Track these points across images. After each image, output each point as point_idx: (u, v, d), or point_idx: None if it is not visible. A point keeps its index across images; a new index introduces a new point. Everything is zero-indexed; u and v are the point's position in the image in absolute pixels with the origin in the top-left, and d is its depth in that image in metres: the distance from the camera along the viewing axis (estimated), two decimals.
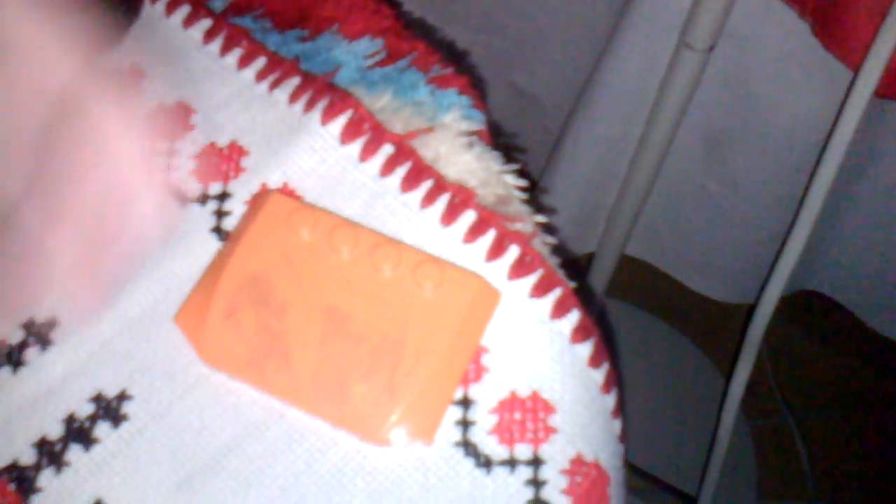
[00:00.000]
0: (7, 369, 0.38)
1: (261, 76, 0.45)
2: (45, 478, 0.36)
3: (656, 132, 0.75)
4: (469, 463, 0.36)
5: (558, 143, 0.87)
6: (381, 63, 0.46)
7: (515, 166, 0.43)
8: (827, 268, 0.87)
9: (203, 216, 0.42)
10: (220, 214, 0.42)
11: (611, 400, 0.39)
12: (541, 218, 0.42)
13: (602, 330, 0.40)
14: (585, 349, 0.39)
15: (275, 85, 0.45)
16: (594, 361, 0.39)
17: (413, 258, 0.38)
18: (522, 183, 0.43)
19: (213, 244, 0.41)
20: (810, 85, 0.67)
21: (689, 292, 0.99)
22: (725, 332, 1.20)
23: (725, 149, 0.80)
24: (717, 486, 0.94)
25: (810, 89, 0.68)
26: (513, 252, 0.40)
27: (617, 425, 0.40)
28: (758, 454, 1.18)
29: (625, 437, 0.40)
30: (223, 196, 0.42)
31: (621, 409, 0.40)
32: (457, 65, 0.46)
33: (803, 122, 0.71)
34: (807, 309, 1.11)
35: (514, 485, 0.35)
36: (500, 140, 0.45)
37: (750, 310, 0.79)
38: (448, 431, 0.36)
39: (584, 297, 0.40)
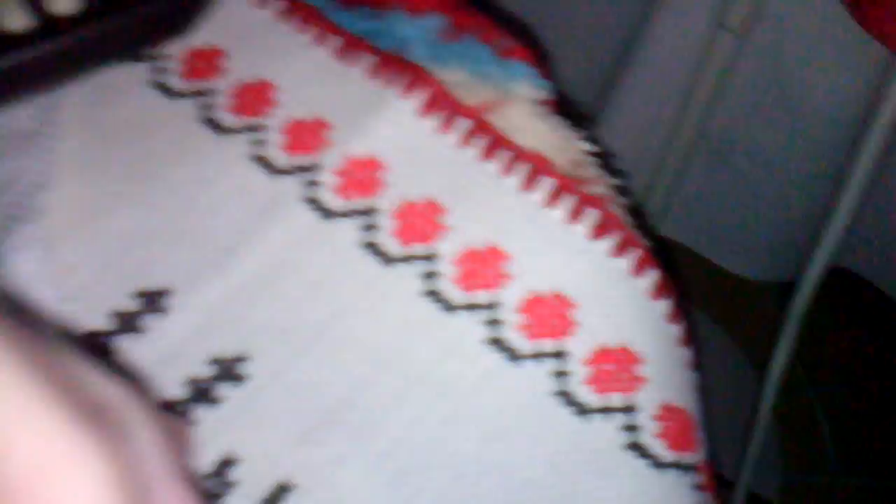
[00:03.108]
0: (127, 337, 0.41)
1: (337, 53, 0.48)
2: None
3: (690, 114, 0.77)
4: (567, 411, 0.39)
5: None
6: (449, 38, 0.48)
7: (586, 132, 0.46)
8: (856, 246, 0.88)
9: (294, 187, 0.44)
10: (311, 184, 0.44)
11: (688, 353, 0.43)
12: (615, 181, 0.45)
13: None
14: (664, 306, 0.42)
15: (352, 62, 0.47)
16: (673, 318, 0.42)
17: None
18: (594, 148, 0.45)
19: (305, 213, 0.44)
20: (846, 65, 0.70)
21: (710, 276, 1.00)
22: (747, 314, 1.23)
23: (759, 129, 0.82)
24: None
25: (846, 69, 0.70)
26: (592, 215, 0.43)
27: (695, 377, 0.43)
28: (782, 431, 1.20)
29: (701, 391, 0.43)
30: (312, 167, 0.45)
31: (698, 363, 0.43)
32: (522, 37, 0.49)
33: (837, 101, 0.73)
34: (834, 286, 1.14)
35: (610, 430, 0.38)
36: (568, 109, 0.48)
37: (778, 291, 0.81)
38: (545, 382, 0.39)
39: (660, 255, 0.43)
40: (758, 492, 1.13)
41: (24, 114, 0.46)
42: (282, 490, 0.37)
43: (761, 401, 0.89)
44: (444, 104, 0.45)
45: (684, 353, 0.42)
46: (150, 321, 0.41)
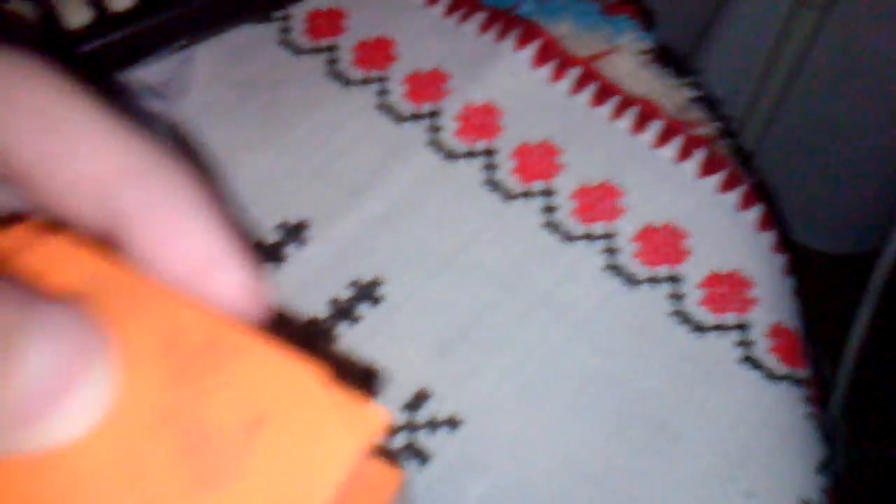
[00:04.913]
0: (271, 265, 0.44)
1: (448, 12, 0.51)
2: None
3: (769, 88, 0.79)
4: (683, 329, 0.42)
5: None
6: None
7: (689, 79, 0.49)
8: None
9: (417, 132, 0.48)
10: (433, 129, 0.47)
11: (793, 281, 0.45)
12: (719, 124, 0.47)
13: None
14: (770, 237, 0.44)
15: (463, 19, 0.51)
16: (778, 248, 0.45)
17: None
18: (697, 94, 0.48)
19: (429, 155, 0.47)
20: None
21: None
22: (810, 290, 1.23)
23: (835, 102, 0.83)
24: None
25: None
26: (699, 154, 0.46)
27: (797, 305, 0.45)
28: (851, 406, 1.21)
29: (801, 318, 0.46)
30: (433, 114, 0.48)
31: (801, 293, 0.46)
32: None
33: None
34: None
35: (725, 345, 0.41)
36: (671, 59, 0.50)
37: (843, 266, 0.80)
38: (661, 304, 0.42)
39: (762, 192, 0.46)
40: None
41: (158, 69, 0.50)
42: (421, 397, 0.41)
43: (837, 377, 0.89)
44: (555, 54, 0.48)
45: (791, 281, 0.44)
46: (292, 250, 0.45)
